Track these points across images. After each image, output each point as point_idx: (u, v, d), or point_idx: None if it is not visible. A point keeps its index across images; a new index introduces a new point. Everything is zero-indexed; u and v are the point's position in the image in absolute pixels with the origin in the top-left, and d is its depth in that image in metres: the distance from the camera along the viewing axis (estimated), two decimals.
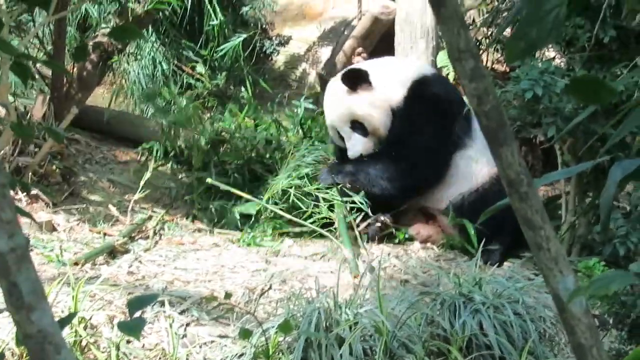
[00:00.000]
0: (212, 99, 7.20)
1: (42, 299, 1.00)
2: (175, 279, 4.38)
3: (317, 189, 5.19)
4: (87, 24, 7.79)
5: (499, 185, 4.60)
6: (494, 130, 1.15)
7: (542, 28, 1.18)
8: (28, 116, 5.62)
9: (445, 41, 1.14)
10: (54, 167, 5.56)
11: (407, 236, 5.15)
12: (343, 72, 5.41)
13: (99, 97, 7.58)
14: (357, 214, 5.03)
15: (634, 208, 4.30)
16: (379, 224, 5.08)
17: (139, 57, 7.80)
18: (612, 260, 4.23)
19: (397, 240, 5.11)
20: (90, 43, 6.12)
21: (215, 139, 5.72)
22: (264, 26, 8.24)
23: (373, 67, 5.36)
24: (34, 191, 5.24)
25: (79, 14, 7.70)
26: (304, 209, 5.12)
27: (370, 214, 5.05)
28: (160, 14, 6.93)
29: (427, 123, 5.17)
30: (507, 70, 6.72)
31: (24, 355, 3.31)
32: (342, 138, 5.34)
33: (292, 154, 5.56)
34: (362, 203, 5.04)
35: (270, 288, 4.28)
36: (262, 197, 5.29)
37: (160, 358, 3.53)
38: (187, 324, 3.79)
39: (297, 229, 5.15)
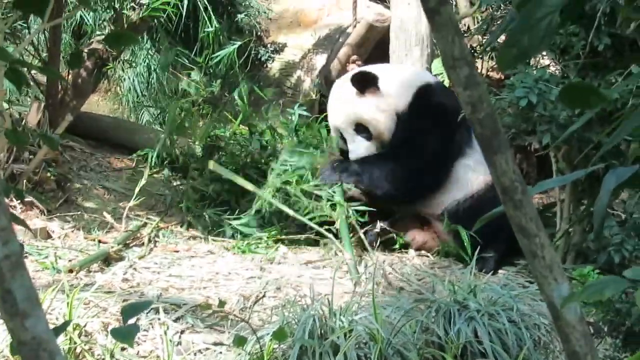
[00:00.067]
0: (207, 106, 7.20)
1: (37, 306, 0.99)
2: (170, 286, 4.37)
3: (317, 186, 5.14)
4: (82, 31, 7.80)
5: (494, 192, 4.59)
6: (488, 137, 1.15)
7: (534, 35, 1.18)
8: (23, 123, 5.61)
9: (439, 49, 1.15)
10: (48, 174, 5.55)
11: (402, 242, 5.16)
12: (352, 74, 5.41)
13: (94, 104, 7.57)
14: (362, 217, 4.99)
15: (629, 216, 4.30)
16: (377, 230, 5.08)
17: (133, 64, 7.80)
18: (607, 268, 4.24)
19: (395, 246, 5.11)
20: (85, 50, 6.12)
21: (210, 145, 5.72)
22: (259, 33, 8.25)
23: (382, 71, 5.36)
24: (29, 198, 5.22)
25: (74, 21, 7.71)
26: (306, 204, 5.07)
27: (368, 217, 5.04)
28: (155, 21, 6.93)
29: (431, 130, 5.19)
30: (502, 77, 6.72)
31: None
32: (344, 139, 5.34)
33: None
34: (366, 205, 5.02)
35: (264, 295, 4.27)
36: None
37: None
38: (182, 331, 3.78)
39: (292, 236, 5.14)
